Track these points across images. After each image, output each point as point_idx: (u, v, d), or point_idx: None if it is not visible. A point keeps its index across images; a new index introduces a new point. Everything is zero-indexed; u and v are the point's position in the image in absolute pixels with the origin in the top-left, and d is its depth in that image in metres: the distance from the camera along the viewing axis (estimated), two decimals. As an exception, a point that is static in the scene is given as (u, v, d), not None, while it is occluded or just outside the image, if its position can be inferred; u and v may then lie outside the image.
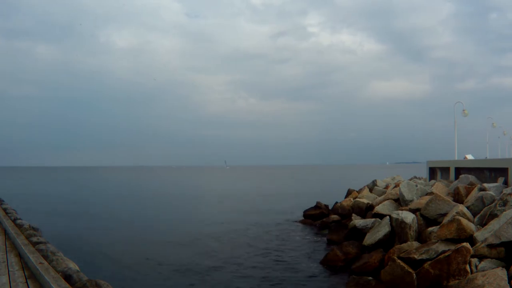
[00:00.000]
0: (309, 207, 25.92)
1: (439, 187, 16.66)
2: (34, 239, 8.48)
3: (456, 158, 24.53)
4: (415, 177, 26.36)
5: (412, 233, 12.76)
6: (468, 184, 15.62)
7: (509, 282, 8.50)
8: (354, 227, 16.13)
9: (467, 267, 9.37)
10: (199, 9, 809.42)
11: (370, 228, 15.17)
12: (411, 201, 15.91)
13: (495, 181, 15.09)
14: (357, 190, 25.25)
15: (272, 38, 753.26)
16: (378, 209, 16.64)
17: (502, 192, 12.62)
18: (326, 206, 25.37)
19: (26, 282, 6.05)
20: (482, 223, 11.39)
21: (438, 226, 11.64)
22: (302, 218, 25.10)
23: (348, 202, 22.44)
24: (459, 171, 19.61)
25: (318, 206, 25.29)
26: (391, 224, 13.62)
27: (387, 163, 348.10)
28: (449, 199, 13.89)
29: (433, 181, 20.02)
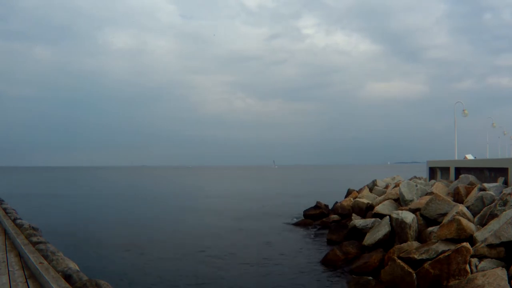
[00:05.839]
0: (309, 207, 25.91)
1: (439, 187, 16.66)
2: (34, 239, 8.46)
3: (456, 158, 24.53)
4: (415, 177, 26.29)
5: (412, 233, 12.76)
6: (468, 184, 15.62)
7: (509, 282, 8.51)
8: (354, 227, 16.13)
9: (467, 267, 9.38)
10: (194, 11, 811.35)
11: (370, 228, 15.17)
12: (411, 201, 15.91)
13: (495, 181, 15.07)
14: (357, 190, 25.21)
15: (267, 40, 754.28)
16: (378, 209, 16.64)
17: (502, 192, 12.61)
18: (326, 206, 25.36)
19: (26, 282, 6.04)
20: (482, 223, 11.38)
21: (438, 226, 11.64)
22: (302, 218, 25.07)
23: (348, 202, 22.42)
24: (459, 171, 19.60)
25: (318, 206, 25.28)
26: (391, 224, 13.62)
27: (388, 163, 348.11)
28: (449, 199, 13.89)
29: (433, 181, 20.01)
